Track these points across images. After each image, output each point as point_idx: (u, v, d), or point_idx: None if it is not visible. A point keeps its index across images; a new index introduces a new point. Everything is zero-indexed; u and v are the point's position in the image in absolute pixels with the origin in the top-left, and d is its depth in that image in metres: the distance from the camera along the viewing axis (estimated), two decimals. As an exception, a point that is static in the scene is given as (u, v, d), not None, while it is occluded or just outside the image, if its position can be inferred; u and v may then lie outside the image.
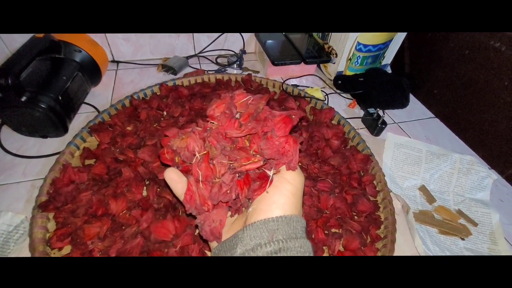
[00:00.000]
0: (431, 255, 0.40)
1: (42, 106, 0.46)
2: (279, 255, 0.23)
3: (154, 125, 0.53)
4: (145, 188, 0.44)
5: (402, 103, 0.71)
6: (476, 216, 0.48)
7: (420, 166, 0.54)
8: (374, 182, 0.50)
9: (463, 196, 0.51)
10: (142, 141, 0.49)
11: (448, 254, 0.43)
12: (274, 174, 0.27)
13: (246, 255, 0.23)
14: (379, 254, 0.41)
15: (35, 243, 0.36)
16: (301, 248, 0.23)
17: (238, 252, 0.24)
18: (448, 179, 0.53)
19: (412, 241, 0.44)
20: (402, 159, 0.55)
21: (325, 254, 0.41)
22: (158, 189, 0.43)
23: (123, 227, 0.39)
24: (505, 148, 0.59)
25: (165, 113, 0.57)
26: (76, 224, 0.38)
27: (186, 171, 0.30)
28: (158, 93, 0.62)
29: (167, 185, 0.43)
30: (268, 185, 0.26)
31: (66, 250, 0.37)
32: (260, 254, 0.23)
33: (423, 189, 0.52)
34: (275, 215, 0.24)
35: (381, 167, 0.52)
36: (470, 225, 0.47)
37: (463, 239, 0.46)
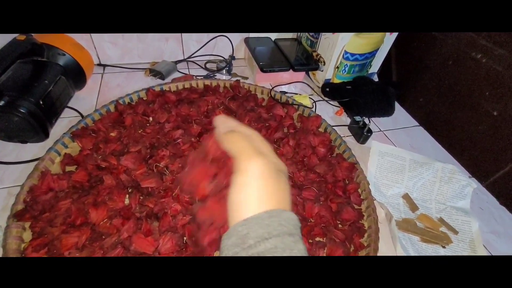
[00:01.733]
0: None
1: (21, 110, 0.45)
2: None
3: (139, 131, 0.52)
4: (127, 196, 0.43)
5: (387, 111, 0.72)
6: (457, 224, 0.50)
7: (404, 175, 0.55)
8: (359, 190, 0.50)
9: (445, 204, 0.52)
10: (125, 147, 0.48)
11: (429, 262, 0.43)
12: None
13: None
14: (362, 263, 0.41)
15: (8, 254, 0.34)
16: (276, 248, 0.21)
17: None
18: (431, 187, 0.54)
19: (394, 250, 0.44)
20: (387, 167, 0.56)
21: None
22: (141, 198, 0.42)
23: (103, 237, 0.38)
24: (485, 157, 0.60)
25: (151, 119, 0.56)
26: (53, 234, 0.36)
27: None
28: (144, 98, 0.61)
29: (149, 194, 0.42)
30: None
31: (42, 261, 0.36)
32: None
33: (406, 197, 0.53)
34: (246, 215, 0.22)
35: (366, 175, 0.52)
36: (451, 233, 0.48)
37: (444, 247, 0.47)
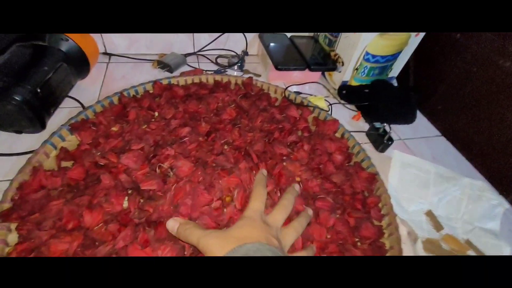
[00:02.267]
0: None
1: (16, 98, 0.41)
2: None
3: (143, 127, 0.48)
4: (126, 199, 0.39)
5: (409, 119, 0.68)
6: (485, 248, 0.45)
7: (428, 189, 0.50)
8: (380, 204, 0.46)
9: (472, 225, 0.47)
10: (127, 144, 0.44)
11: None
12: None
13: None
14: (383, 288, 0.37)
15: (-11, 260, 0.30)
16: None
17: None
18: (457, 205, 0.49)
19: (419, 274, 0.40)
20: (409, 180, 0.51)
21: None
22: (141, 201, 0.38)
23: (96, 243, 0.34)
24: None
25: (156, 114, 0.52)
26: (41, 238, 0.33)
27: None
28: (150, 91, 0.57)
29: (150, 197, 0.38)
30: None
31: (27, 268, 0.32)
32: None
33: (430, 214, 0.48)
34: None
35: (387, 188, 0.48)
36: (479, 257, 0.44)
37: (472, 273, 0.42)
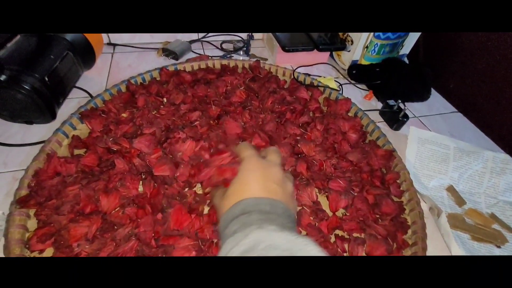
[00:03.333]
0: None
1: (25, 87, 0.41)
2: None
3: (153, 112, 0.48)
4: (141, 183, 0.38)
5: (423, 96, 0.65)
6: (511, 221, 0.43)
7: (448, 164, 0.48)
8: (398, 181, 0.45)
9: (496, 199, 0.46)
10: (138, 129, 0.43)
11: (484, 264, 0.38)
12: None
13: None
14: (408, 263, 0.36)
15: (10, 245, 0.30)
16: (254, 241, 0.22)
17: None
18: (479, 179, 0.47)
19: (444, 249, 0.38)
20: (428, 156, 0.50)
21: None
22: (155, 185, 0.37)
23: (115, 227, 0.34)
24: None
25: (165, 99, 0.51)
26: (60, 223, 0.32)
27: None
28: (157, 78, 0.56)
29: (163, 182, 0.38)
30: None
31: (48, 253, 0.32)
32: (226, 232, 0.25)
33: (451, 189, 0.46)
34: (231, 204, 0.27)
35: (405, 164, 0.46)
36: (505, 230, 0.42)
37: (499, 246, 0.41)
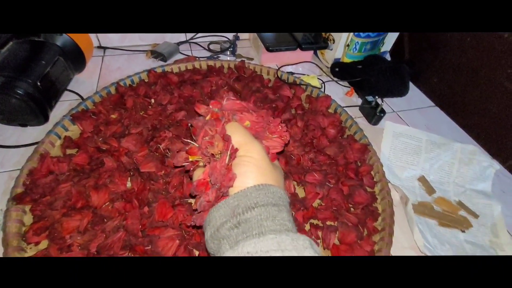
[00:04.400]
0: (430, 247, 0.39)
1: (19, 92, 0.43)
2: (240, 227, 0.24)
3: (141, 113, 0.50)
4: (129, 179, 0.41)
5: (401, 91, 0.68)
6: (477, 208, 0.47)
7: (420, 156, 0.51)
8: (372, 172, 0.48)
9: (464, 187, 0.49)
10: (126, 129, 0.46)
11: (448, 247, 0.41)
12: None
13: (212, 235, 0.25)
14: (376, 247, 0.39)
15: (8, 238, 0.33)
16: (261, 215, 0.24)
17: (209, 234, 0.26)
18: (449, 169, 0.50)
19: (410, 234, 0.42)
20: (401, 149, 0.53)
21: (319, 248, 0.39)
22: (141, 181, 0.40)
23: (105, 220, 0.37)
24: (507, 137, 0.56)
25: (153, 100, 0.54)
26: (54, 217, 0.35)
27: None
28: (146, 80, 0.59)
29: (149, 178, 0.41)
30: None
31: (43, 245, 0.35)
32: (222, 232, 0.24)
33: (422, 179, 0.50)
34: (235, 191, 0.26)
35: (379, 157, 0.49)
36: (471, 217, 0.46)
37: (463, 231, 0.44)
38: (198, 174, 0.29)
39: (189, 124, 0.35)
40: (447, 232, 0.43)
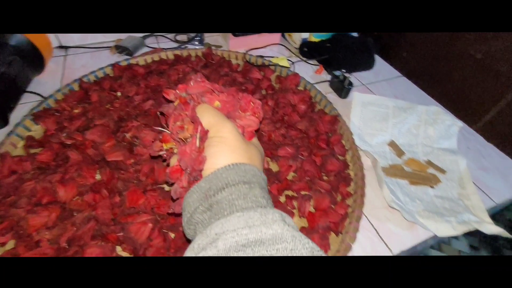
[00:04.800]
0: (400, 203, 0.40)
1: (-30, 94, 0.41)
2: (212, 210, 0.23)
3: (107, 106, 0.49)
4: (98, 172, 0.40)
5: (368, 64, 0.70)
6: (444, 164, 0.49)
7: (388, 122, 0.53)
8: (342, 141, 0.49)
9: (431, 147, 0.51)
10: (91, 122, 0.45)
11: (418, 202, 0.42)
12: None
13: (187, 221, 0.25)
14: (349, 210, 0.40)
15: (-29, 241, 0.32)
16: (231, 195, 0.23)
17: (185, 220, 0.25)
18: (416, 131, 0.52)
19: (381, 195, 0.43)
20: (370, 117, 0.54)
21: (296, 217, 0.40)
22: (109, 171, 0.40)
23: (75, 214, 0.36)
24: (472, 100, 0.59)
25: (119, 93, 0.53)
26: (19, 215, 0.34)
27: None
28: (111, 75, 0.57)
29: (117, 167, 0.40)
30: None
31: (10, 245, 0.33)
32: (196, 217, 0.24)
33: (392, 144, 0.51)
34: (207, 174, 0.25)
35: (349, 127, 0.50)
36: (439, 173, 0.47)
37: (432, 187, 0.46)
38: (173, 162, 0.29)
39: (158, 112, 0.34)
40: (418, 189, 0.45)
